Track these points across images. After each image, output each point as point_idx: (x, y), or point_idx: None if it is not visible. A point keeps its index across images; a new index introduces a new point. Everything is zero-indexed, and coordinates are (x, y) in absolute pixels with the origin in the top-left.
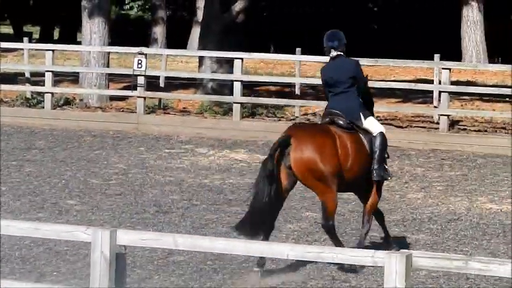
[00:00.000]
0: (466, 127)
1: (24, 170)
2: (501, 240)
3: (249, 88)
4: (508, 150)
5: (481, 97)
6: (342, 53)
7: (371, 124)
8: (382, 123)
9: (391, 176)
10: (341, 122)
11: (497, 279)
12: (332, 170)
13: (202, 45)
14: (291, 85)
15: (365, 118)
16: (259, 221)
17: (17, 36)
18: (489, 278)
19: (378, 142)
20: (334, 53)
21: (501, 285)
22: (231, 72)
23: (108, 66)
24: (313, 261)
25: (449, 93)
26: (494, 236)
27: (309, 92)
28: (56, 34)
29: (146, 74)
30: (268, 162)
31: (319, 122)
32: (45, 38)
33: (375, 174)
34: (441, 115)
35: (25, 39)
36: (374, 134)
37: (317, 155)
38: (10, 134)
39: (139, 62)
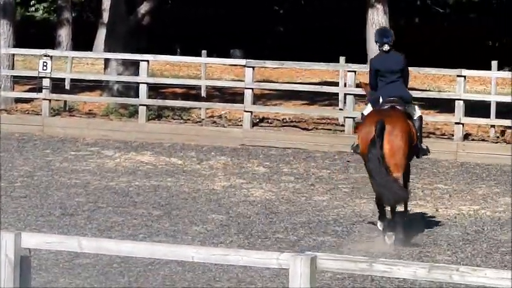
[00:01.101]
0: None
1: None
2: (406, 241)
3: (155, 90)
4: None
5: None
6: (392, 47)
7: (413, 109)
8: (288, 126)
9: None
10: (400, 108)
11: (402, 280)
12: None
13: (108, 48)
14: (197, 87)
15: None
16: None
17: None
18: (393, 279)
19: (418, 124)
20: (387, 47)
21: (405, 286)
22: (137, 74)
23: (13, 68)
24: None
25: (355, 95)
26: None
27: (215, 94)
28: None
29: (51, 76)
30: (377, 148)
31: (379, 107)
32: None
33: (421, 151)
34: (346, 117)
35: None
36: (415, 118)
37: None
38: None
39: (45, 64)
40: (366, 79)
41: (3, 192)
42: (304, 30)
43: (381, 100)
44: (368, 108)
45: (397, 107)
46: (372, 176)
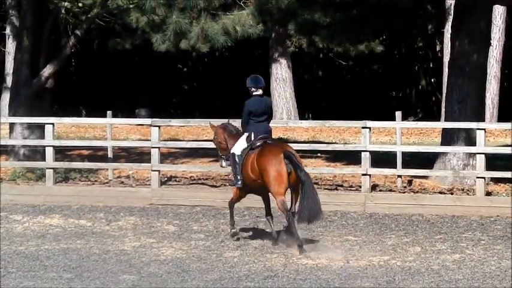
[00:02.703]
0: None
1: None
2: None
3: (62, 153)
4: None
5: None
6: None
7: None
8: (196, 183)
9: None
10: (270, 142)
11: None
12: None
13: (13, 112)
14: (104, 148)
15: None
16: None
17: None
18: None
19: None
20: (260, 92)
21: None
22: (43, 137)
23: None
24: None
25: None
26: None
27: (122, 155)
28: None
29: None
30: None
31: (256, 144)
32: None
33: None
34: None
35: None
36: None
37: None
38: None
39: None
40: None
41: None
42: (209, 87)
43: (253, 137)
44: (240, 144)
45: (269, 141)
46: (306, 197)
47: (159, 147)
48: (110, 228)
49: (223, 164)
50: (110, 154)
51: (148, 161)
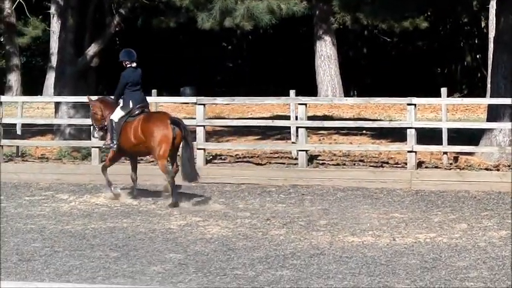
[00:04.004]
0: (324, 161)
1: None
2: (365, 272)
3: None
4: (368, 183)
5: (338, 131)
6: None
7: None
8: (241, 162)
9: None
10: (147, 110)
11: None
12: None
13: (58, 91)
14: None
15: None
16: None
17: None
18: None
19: None
20: (134, 64)
21: None
22: (88, 116)
23: None
24: None
25: (307, 128)
26: (358, 269)
27: None
28: None
29: (2, 122)
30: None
31: (134, 112)
32: None
33: None
34: (299, 150)
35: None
36: None
37: None
38: None
39: None
40: (316, 111)
41: None
42: (254, 65)
43: (131, 105)
44: (118, 112)
45: (146, 110)
46: (188, 159)
47: (204, 126)
48: (155, 207)
49: (96, 134)
50: None
51: (194, 139)
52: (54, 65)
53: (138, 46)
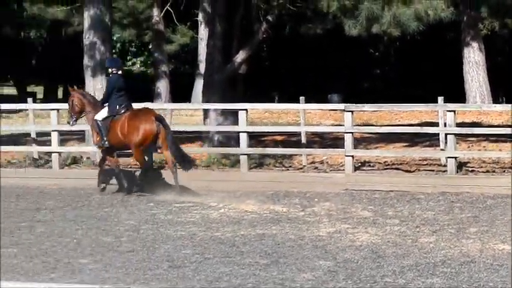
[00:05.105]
0: (474, 168)
1: (35, 230)
2: None
3: (255, 139)
4: None
5: (487, 138)
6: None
7: None
8: (389, 169)
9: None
10: (131, 109)
11: None
12: None
13: (206, 98)
14: (297, 134)
15: None
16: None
17: (21, 97)
18: None
19: None
20: (120, 71)
21: None
22: (236, 123)
23: None
24: None
25: (455, 135)
26: (509, 277)
27: (315, 140)
28: (60, 93)
29: None
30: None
31: (120, 111)
32: (49, 97)
33: None
34: (448, 157)
35: (29, 99)
36: None
37: None
38: (19, 194)
39: None
40: (465, 117)
41: (111, 247)
42: (401, 71)
43: (117, 107)
44: (103, 113)
45: (130, 108)
46: (176, 153)
47: (352, 132)
48: (304, 214)
49: (71, 122)
50: (303, 140)
51: (342, 146)
52: (202, 72)
53: (285, 53)
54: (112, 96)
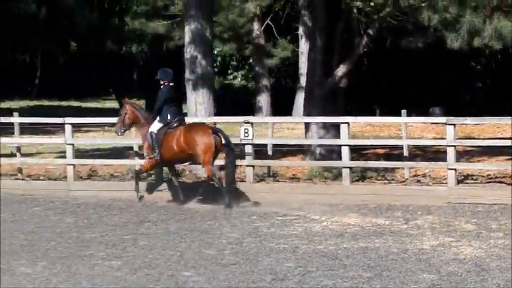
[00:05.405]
0: None
1: (139, 243)
2: None
3: (357, 152)
4: None
5: None
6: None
7: None
8: (493, 182)
9: None
10: (184, 122)
11: None
12: None
13: (307, 111)
14: (399, 147)
15: None
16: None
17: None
18: None
19: None
20: (171, 83)
21: None
22: (338, 137)
23: None
24: None
25: None
26: None
27: (417, 153)
28: None
29: (253, 143)
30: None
31: (173, 124)
32: (151, 110)
33: None
34: None
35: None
36: None
37: None
38: (122, 208)
39: (246, 130)
40: None
41: (214, 260)
42: (503, 85)
43: (169, 118)
44: (156, 125)
45: (183, 122)
46: (233, 165)
47: (454, 146)
48: (407, 227)
49: (119, 133)
50: (405, 153)
51: (444, 159)
52: (303, 86)
53: (386, 67)
54: (164, 107)
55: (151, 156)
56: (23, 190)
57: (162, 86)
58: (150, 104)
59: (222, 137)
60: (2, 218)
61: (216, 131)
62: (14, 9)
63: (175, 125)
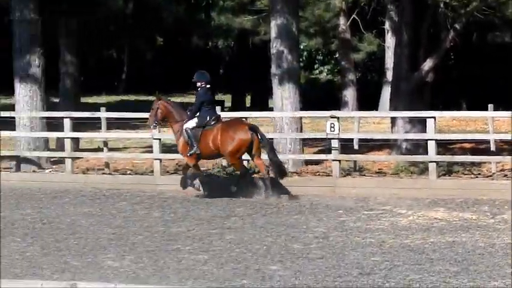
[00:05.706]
0: None
1: (225, 237)
2: None
3: (443, 146)
4: None
5: None
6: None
7: None
8: None
9: None
10: (221, 120)
11: None
12: None
13: (393, 106)
14: (486, 141)
15: None
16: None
17: None
18: None
19: None
20: (208, 85)
21: None
22: (424, 131)
23: (301, 131)
24: None
25: None
26: None
27: (504, 148)
28: (248, 102)
29: (340, 137)
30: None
31: (210, 122)
32: (237, 105)
33: None
34: None
35: (217, 107)
36: None
37: None
38: (209, 202)
39: (332, 125)
40: None
41: (300, 254)
42: None
43: (208, 118)
44: (192, 123)
45: (220, 119)
46: (274, 160)
47: None
48: (494, 221)
49: (152, 126)
50: (492, 147)
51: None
52: (389, 80)
53: (473, 61)
54: (202, 109)
55: (191, 152)
56: (110, 184)
57: (199, 88)
58: (236, 100)
59: (258, 134)
60: (81, 213)
61: (252, 128)
62: (102, 6)
63: (213, 123)
